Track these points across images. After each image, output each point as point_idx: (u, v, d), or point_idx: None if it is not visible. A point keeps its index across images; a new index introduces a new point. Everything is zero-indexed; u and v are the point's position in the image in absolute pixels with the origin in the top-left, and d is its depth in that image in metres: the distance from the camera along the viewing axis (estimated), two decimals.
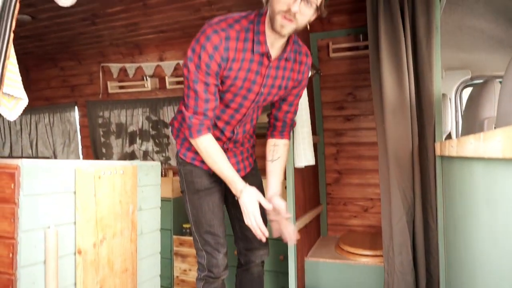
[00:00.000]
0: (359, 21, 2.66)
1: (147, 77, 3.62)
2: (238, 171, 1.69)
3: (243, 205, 1.45)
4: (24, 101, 1.42)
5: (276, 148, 1.70)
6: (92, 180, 1.50)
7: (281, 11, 1.27)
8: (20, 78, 1.39)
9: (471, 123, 1.64)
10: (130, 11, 2.69)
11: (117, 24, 2.98)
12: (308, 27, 2.27)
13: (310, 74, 1.67)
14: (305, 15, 1.30)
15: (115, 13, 2.72)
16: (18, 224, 1.25)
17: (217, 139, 1.58)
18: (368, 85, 2.79)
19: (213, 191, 1.65)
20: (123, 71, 3.81)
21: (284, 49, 1.46)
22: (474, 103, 1.61)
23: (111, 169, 1.59)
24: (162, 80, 3.62)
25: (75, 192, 1.45)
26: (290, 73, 1.54)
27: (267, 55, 1.42)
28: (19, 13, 1.31)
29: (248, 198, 1.45)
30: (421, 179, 1.83)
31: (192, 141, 1.50)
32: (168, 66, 3.59)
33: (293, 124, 1.74)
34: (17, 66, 1.38)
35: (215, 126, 1.58)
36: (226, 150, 1.64)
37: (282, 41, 1.41)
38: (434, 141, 1.77)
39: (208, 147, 1.48)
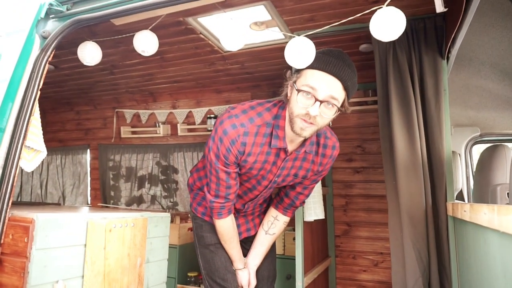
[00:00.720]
0: (367, 77, 2.75)
1: (160, 124, 3.71)
2: (247, 230, 1.70)
3: (238, 278, 1.66)
4: (43, 153, 1.47)
5: (276, 223, 1.66)
6: (103, 233, 1.50)
7: (300, 114, 1.22)
8: (41, 132, 1.45)
9: (483, 186, 1.64)
10: (147, 63, 2.82)
11: (133, 74, 3.11)
12: None
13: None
14: (326, 117, 1.23)
15: (133, 64, 2.85)
16: (28, 278, 1.24)
17: None
18: (377, 138, 2.82)
19: None
20: (137, 116, 3.92)
21: (303, 144, 1.40)
22: (485, 167, 1.61)
23: (122, 222, 1.59)
24: (174, 127, 3.71)
25: (85, 245, 1.45)
26: (310, 165, 1.48)
27: (285, 150, 1.38)
28: (49, 62, 1.39)
29: (241, 277, 1.65)
30: (435, 238, 1.79)
31: (213, 219, 1.57)
32: (180, 113, 3.69)
33: (300, 206, 1.69)
34: (39, 120, 1.44)
35: None
36: (234, 213, 1.65)
37: (302, 138, 1.35)
38: (446, 200, 1.76)
39: (224, 228, 1.55)
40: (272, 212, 1.68)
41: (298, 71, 1.27)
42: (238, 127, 1.31)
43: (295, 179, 1.52)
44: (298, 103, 1.21)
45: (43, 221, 1.27)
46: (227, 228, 1.55)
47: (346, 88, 1.22)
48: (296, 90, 1.23)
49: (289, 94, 1.30)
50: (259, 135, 1.34)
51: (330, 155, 1.49)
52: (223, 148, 1.32)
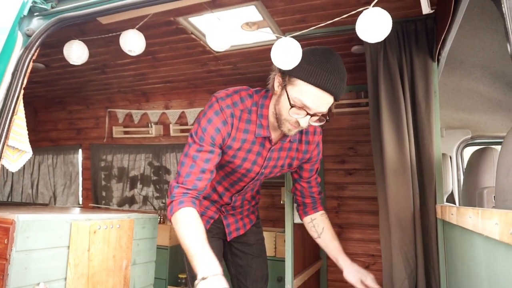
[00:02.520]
0: (360, 79, 2.75)
1: (152, 124, 3.69)
2: (236, 229, 1.68)
3: None
4: (28, 153, 1.45)
5: (315, 223, 1.66)
6: (87, 235, 1.48)
7: (290, 120, 1.28)
8: (26, 132, 1.42)
9: (471, 190, 1.63)
10: (139, 63, 2.80)
11: (126, 73, 3.09)
12: None
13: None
14: (314, 124, 1.31)
15: (125, 64, 2.83)
16: (7, 281, 1.21)
17: (215, 202, 1.58)
18: (369, 140, 2.81)
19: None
20: (129, 116, 3.89)
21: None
22: (473, 170, 1.61)
23: (107, 223, 1.57)
24: (166, 127, 3.69)
25: (68, 247, 1.43)
26: (296, 153, 1.52)
27: (269, 139, 1.41)
28: (33, 61, 1.37)
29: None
30: (423, 241, 1.79)
31: (172, 219, 1.28)
32: (173, 114, 3.68)
33: (321, 196, 1.70)
34: (24, 120, 1.42)
35: (214, 189, 1.58)
36: (222, 212, 1.63)
37: None
38: (435, 203, 1.75)
39: (184, 220, 1.24)
40: (306, 220, 1.68)
41: (290, 74, 1.25)
42: (225, 109, 1.34)
43: (282, 169, 1.54)
44: (290, 114, 1.26)
45: (23, 222, 1.25)
46: (187, 218, 1.23)
47: (336, 100, 1.28)
48: (290, 104, 1.24)
49: (277, 91, 1.31)
50: (242, 121, 1.37)
51: (314, 141, 1.53)
52: (211, 129, 1.32)
